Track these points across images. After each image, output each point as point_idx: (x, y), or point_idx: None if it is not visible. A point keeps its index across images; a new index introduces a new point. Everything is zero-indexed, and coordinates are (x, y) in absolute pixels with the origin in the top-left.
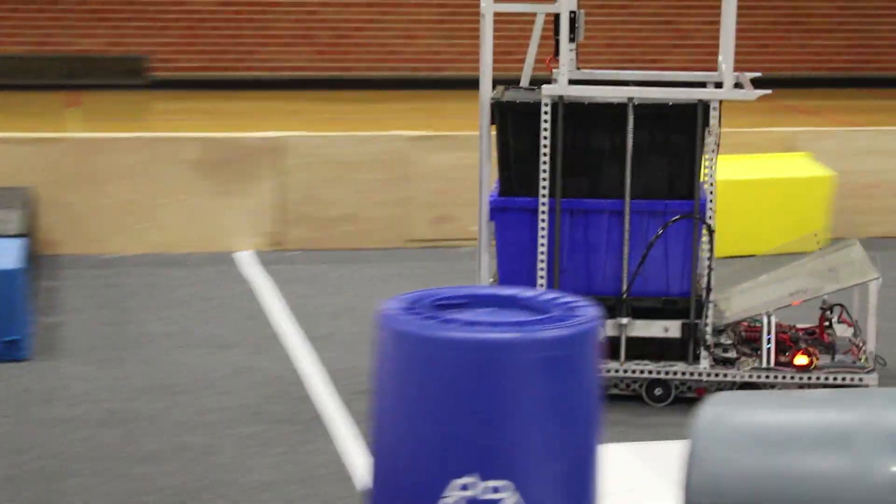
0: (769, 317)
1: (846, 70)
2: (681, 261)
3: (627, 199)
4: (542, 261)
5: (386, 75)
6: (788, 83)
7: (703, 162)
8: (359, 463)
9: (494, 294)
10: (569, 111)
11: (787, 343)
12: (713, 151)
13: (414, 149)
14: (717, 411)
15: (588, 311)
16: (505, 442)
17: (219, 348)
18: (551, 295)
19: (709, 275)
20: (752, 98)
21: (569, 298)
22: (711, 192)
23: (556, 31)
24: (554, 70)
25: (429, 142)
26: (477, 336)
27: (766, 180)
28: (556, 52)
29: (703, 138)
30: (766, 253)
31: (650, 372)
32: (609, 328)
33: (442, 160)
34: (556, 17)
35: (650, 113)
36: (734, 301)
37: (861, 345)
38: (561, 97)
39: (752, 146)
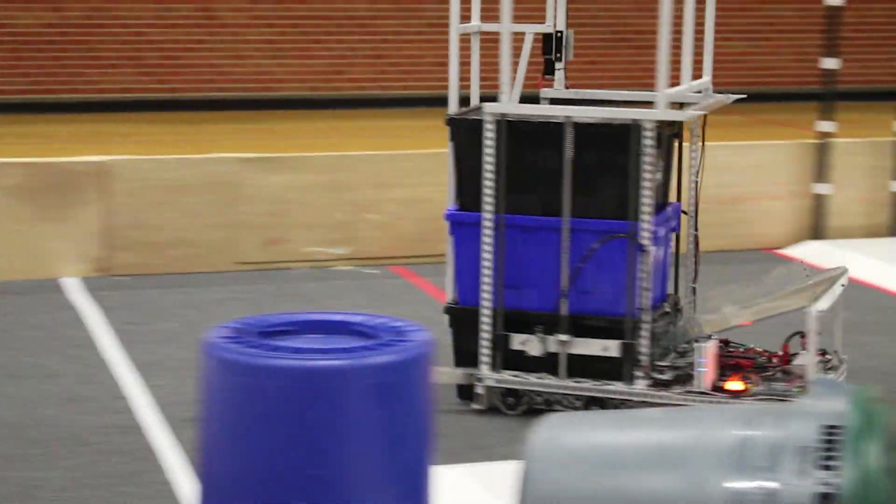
0: (708, 340)
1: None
2: (623, 281)
3: (566, 216)
4: (487, 276)
5: (214, 96)
6: (623, 101)
7: (648, 182)
8: (189, 493)
9: (324, 320)
10: (517, 129)
11: (750, 368)
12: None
13: (244, 171)
14: (551, 432)
15: (419, 335)
16: (336, 470)
17: (45, 378)
18: (381, 320)
19: (656, 296)
20: (686, 118)
21: (399, 323)
22: (647, 214)
23: (546, 51)
24: (543, 88)
25: (259, 164)
26: (304, 363)
27: None
28: (546, 71)
29: (638, 158)
30: None
31: (588, 390)
32: (550, 345)
33: (272, 182)
34: (545, 36)
35: (595, 132)
36: (704, 321)
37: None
38: (504, 115)
39: None
